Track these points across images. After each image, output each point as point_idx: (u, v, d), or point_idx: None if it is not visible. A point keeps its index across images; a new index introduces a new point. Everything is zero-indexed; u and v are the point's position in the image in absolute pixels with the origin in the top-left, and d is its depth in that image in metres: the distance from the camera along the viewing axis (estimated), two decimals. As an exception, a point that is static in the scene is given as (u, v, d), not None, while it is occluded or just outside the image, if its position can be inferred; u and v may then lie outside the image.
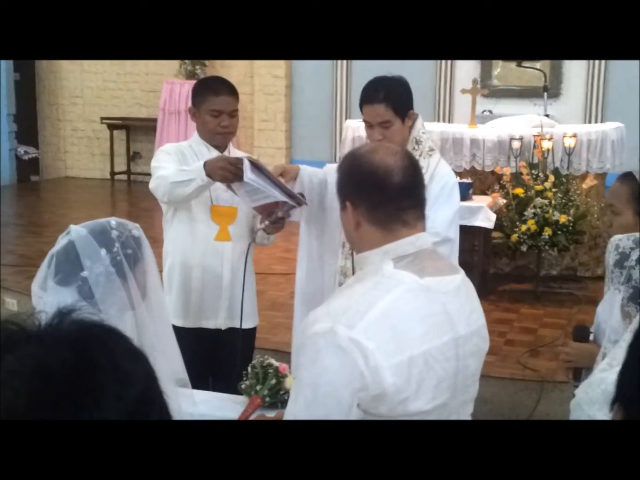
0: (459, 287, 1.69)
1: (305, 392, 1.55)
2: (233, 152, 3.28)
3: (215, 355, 3.32)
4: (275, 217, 2.96)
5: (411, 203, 1.68)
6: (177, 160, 3.15)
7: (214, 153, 3.18)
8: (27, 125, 11.02)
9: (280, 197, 2.91)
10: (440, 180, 3.02)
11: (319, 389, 1.53)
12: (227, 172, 2.87)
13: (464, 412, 1.73)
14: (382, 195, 1.66)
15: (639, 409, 1.00)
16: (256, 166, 2.89)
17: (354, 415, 1.54)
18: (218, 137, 3.19)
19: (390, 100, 2.90)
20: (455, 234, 3.01)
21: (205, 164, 2.91)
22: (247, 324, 3.33)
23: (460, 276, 1.73)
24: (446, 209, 2.99)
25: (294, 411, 1.58)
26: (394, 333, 1.54)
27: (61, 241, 1.80)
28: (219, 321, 3.27)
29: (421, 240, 1.68)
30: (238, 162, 2.88)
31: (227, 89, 3.20)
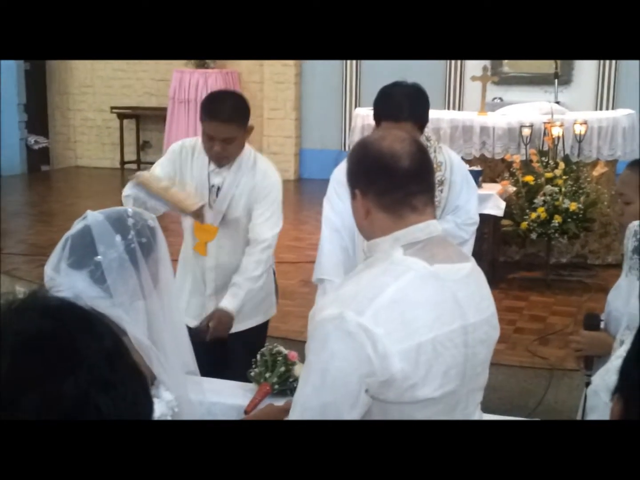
0: (469, 274, 1.70)
1: (314, 378, 1.56)
2: (237, 166, 3.14)
3: (221, 352, 3.31)
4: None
5: (419, 188, 1.68)
6: (173, 164, 3.18)
7: (212, 167, 3.16)
8: (38, 114, 11.05)
9: (164, 206, 3.05)
10: (459, 169, 3.12)
11: (328, 375, 1.54)
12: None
13: (473, 400, 1.73)
14: (390, 181, 1.67)
15: (638, 403, 1.00)
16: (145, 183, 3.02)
17: (362, 401, 1.55)
18: (212, 159, 3.12)
19: (417, 118, 2.86)
20: None
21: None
22: (247, 324, 3.30)
23: (471, 264, 1.73)
24: (473, 196, 3.16)
25: (302, 397, 1.59)
26: (402, 319, 1.54)
27: (77, 225, 1.81)
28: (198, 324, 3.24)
29: (431, 227, 1.69)
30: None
31: (223, 115, 2.99)
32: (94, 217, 1.78)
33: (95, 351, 0.88)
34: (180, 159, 3.18)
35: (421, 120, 2.89)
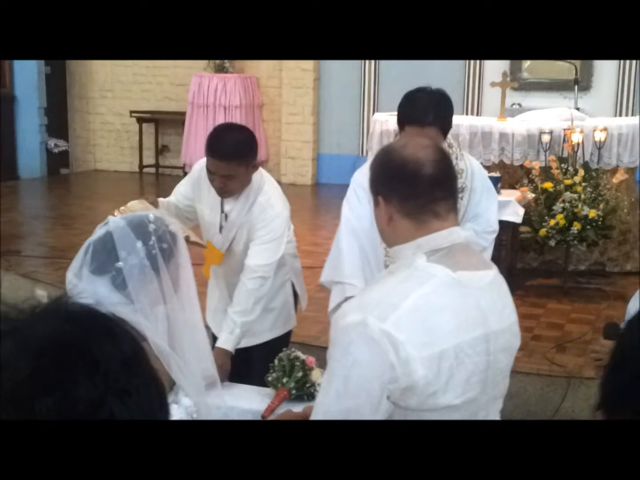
0: (492, 282, 1.69)
1: (336, 384, 1.56)
2: (245, 200, 3.11)
3: (246, 361, 3.31)
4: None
5: (442, 195, 1.68)
6: (192, 185, 3.24)
7: None
8: (58, 118, 11.14)
9: None
10: (479, 176, 3.13)
11: (350, 381, 1.54)
12: None
13: (493, 408, 1.73)
14: (413, 187, 1.67)
15: (621, 417, 0.99)
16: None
17: (384, 407, 1.55)
18: (215, 191, 3.09)
19: (441, 123, 2.86)
20: None
21: None
22: (265, 337, 3.31)
23: (494, 272, 1.73)
24: (493, 204, 3.18)
25: (324, 403, 1.60)
26: (425, 326, 1.54)
27: (99, 231, 1.82)
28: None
29: (454, 234, 1.69)
30: None
31: (221, 153, 2.96)
32: (115, 222, 1.79)
33: (113, 357, 0.88)
34: (200, 181, 3.19)
35: (445, 126, 2.89)
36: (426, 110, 2.81)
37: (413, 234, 1.67)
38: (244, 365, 3.20)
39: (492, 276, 1.71)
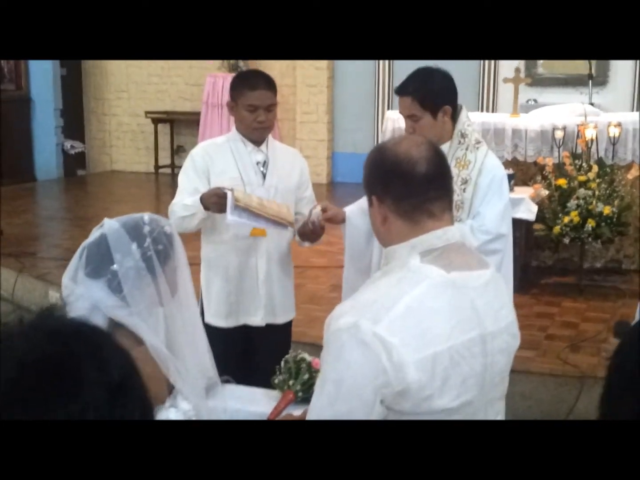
0: (487, 282, 1.67)
1: (329, 388, 1.55)
2: (272, 144, 3.30)
3: (253, 350, 3.33)
4: (304, 228, 3.14)
5: (437, 194, 1.66)
6: (199, 171, 3.21)
7: (250, 148, 3.23)
8: (74, 119, 11.21)
9: (266, 226, 3.07)
10: (488, 173, 2.96)
11: (342, 385, 1.52)
12: (220, 205, 3.00)
13: (492, 410, 1.70)
14: (407, 187, 1.65)
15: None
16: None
17: (378, 411, 1.53)
18: (255, 132, 3.21)
19: (418, 94, 2.85)
20: (507, 229, 2.97)
21: (202, 199, 3.05)
22: (284, 318, 3.35)
23: (490, 271, 1.71)
24: (496, 204, 2.94)
25: (317, 407, 1.58)
26: (418, 329, 1.52)
27: (94, 234, 1.82)
28: (258, 318, 3.28)
29: (449, 234, 1.66)
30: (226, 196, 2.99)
31: (264, 83, 3.19)
32: (110, 225, 1.79)
33: (96, 383, 0.83)
34: (211, 155, 3.22)
35: (423, 98, 2.86)
36: (408, 81, 2.91)
37: (408, 234, 1.65)
38: (251, 351, 3.27)
39: (488, 276, 1.68)
